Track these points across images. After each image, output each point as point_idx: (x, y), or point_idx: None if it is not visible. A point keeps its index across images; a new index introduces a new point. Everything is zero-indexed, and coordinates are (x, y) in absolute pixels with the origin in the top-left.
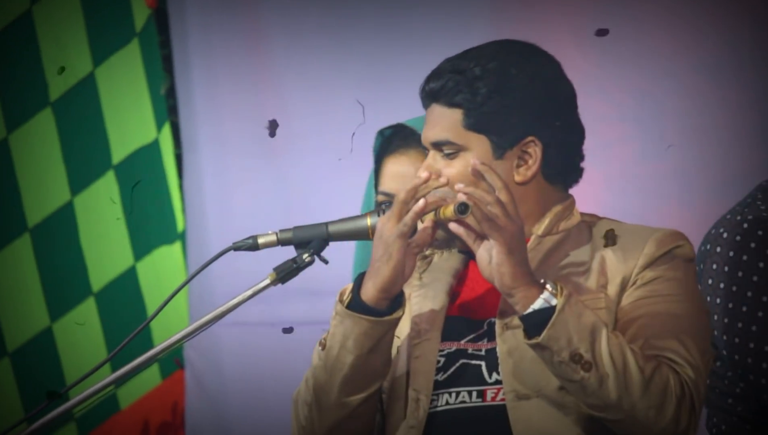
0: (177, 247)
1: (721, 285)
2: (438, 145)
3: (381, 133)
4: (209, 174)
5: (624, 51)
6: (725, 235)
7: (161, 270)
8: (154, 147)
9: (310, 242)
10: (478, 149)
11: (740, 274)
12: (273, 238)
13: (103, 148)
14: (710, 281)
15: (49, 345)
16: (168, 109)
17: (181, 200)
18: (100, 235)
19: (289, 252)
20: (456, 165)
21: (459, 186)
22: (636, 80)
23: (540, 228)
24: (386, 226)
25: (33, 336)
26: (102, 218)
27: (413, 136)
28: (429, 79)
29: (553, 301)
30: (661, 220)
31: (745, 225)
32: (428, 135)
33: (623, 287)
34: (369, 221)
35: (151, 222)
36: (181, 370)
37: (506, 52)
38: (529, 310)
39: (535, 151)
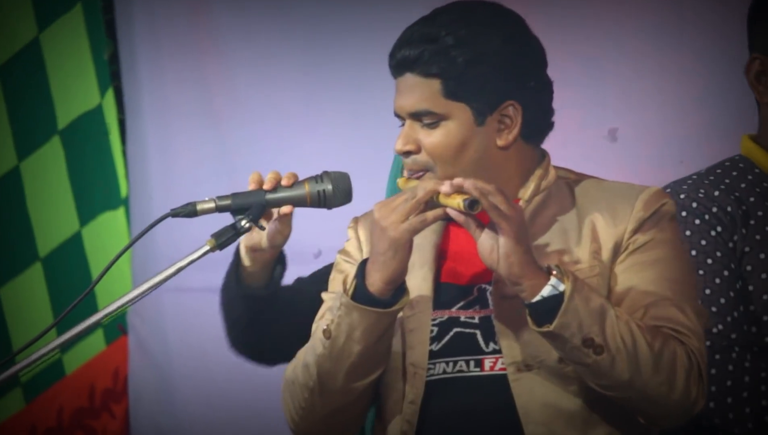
0: (120, 212)
1: None
2: (417, 116)
3: None
4: (152, 139)
5: (566, 16)
6: None
7: (105, 235)
8: (97, 112)
9: (249, 208)
10: (459, 118)
11: None
12: (211, 204)
13: (48, 113)
14: None
15: None
16: (111, 75)
17: (125, 166)
18: (47, 201)
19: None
20: (436, 135)
21: (462, 182)
22: (578, 46)
23: (526, 192)
24: (389, 218)
25: None
26: (48, 183)
27: None
28: (399, 47)
29: (561, 287)
30: None
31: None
32: (405, 105)
33: (616, 252)
34: (307, 188)
35: (95, 187)
36: (125, 337)
37: (476, 17)
38: (538, 297)
39: (515, 114)
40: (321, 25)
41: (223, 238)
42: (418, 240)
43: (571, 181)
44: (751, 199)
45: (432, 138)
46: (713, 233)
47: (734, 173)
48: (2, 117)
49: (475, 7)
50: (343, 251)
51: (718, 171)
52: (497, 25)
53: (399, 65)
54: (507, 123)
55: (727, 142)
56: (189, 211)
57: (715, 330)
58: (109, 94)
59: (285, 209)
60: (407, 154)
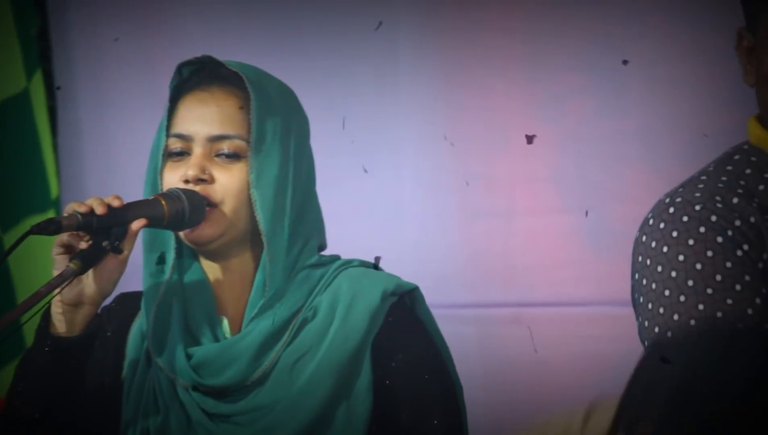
0: (50, 216)
1: (644, 281)
2: None
3: (179, 68)
4: (88, 131)
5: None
6: (651, 221)
7: (32, 243)
8: (23, 98)
9: (111, 228)
10: None
11: (659, 268)
12: (74, 221)
13: None
14: (636, 276)
15: None
16: (39, 54)
17: (55, 161)
18: None
19: None
20: None
21: None
22: (594, 25)
23: None
24: None
25: None
26: None
27: (220, 70)
28: None
29: None
30: (621, 186)
31: (671, 209)
32: None
33: None
34: (165, 206)
35: (19, 187)
36: None
37: None
38: None
39: None
40: (285, 5)
41: (87, 261)
42: None
43: None
44: None
45: None
46: (740, 253)
47: (748, 171)
48: None
49: None
50: None
51: (729, 168)
52: None
53: None
54: None
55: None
56: (53, 228)
57: None
58: (38, 77)
59: (137, 224)
60: None
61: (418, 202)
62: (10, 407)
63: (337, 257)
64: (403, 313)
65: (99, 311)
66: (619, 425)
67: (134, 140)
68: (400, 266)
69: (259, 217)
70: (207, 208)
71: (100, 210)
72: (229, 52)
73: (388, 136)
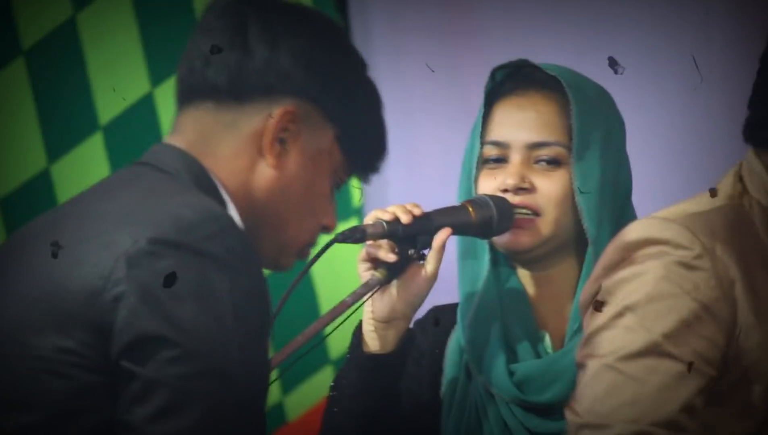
0: (354, 224)
1: None
2: None
3: (493, 73)
4: (391, 136)
5: None
6: None
7: (335, 254)
8: None
9: (417, 236)
10: None
11: None
12: (380, 229)
13: None
14: None
15: None
16: None
17: None
18: None
19: None
20: None
21: None
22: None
23: None
24: None
25: None
26: None
27: (535, 74)
28: None
29: None
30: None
31: None
32: None
33: None
34: (472, 213)
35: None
36: None
37: None
38: None
39: None
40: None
41: (393, 270)
42: None
43: None
44: None
45: None
46: None
47: None
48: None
49: None
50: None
51: None
52: None
53: None
54: None
55: None
56: (358, 236)
57: None
58: None
59: (443, 232)
60: None
61: None
62: (327, 428)
63: None
64: None
65: (411, 325)
66: None
67: (437, 146)
68: None
69: (587, 225)
70: (528, 217)
71: (405, 218)
72: (537, 54)
73: None
